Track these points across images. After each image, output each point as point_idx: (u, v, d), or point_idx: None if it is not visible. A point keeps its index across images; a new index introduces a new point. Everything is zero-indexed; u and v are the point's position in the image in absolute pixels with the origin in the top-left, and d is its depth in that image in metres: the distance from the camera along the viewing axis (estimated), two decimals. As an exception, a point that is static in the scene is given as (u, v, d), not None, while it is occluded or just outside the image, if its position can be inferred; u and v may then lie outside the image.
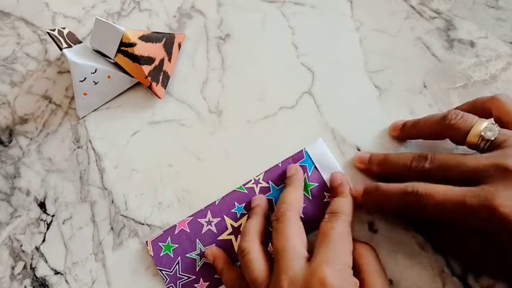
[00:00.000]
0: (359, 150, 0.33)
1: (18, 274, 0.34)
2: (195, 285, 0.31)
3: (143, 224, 0.34)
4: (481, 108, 0.29)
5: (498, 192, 0.24)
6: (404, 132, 0.32)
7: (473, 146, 0.27)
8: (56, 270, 0.33)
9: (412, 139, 0.33)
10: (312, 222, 0.30)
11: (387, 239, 0.30)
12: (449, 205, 0.25)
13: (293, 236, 0.27)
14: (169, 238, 0.32)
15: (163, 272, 0.31)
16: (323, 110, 0.35)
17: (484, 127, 0.26)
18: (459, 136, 0.27)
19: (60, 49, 0.34)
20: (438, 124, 0.29)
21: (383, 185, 0.29)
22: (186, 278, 0.31)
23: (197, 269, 0.31)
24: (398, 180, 0.28)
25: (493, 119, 0.29)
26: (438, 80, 0.35)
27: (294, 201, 0.30)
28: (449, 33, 0.36)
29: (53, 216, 0.35)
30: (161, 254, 0.32)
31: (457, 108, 0.31)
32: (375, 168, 0.31)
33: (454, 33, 0.36)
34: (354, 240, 0.28)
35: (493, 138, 0.26)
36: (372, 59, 0.36)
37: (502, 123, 0.28)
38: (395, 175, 0.30)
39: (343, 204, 0.29)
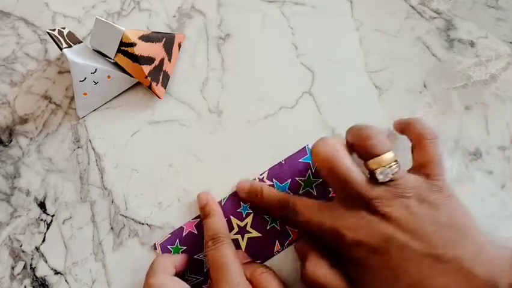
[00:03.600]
0: (359, 150, 0.33)
1: (18, 274, 0.34)
2: (203, 286, 0.31)
3: (143, 224, 0.34)
4: (404, 133, 0.30)
5: (344, 215, 0.26)
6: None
7: (368, 170, 0.27)
8: (56, 270, 0.33)
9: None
10: None
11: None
12: (314, 224, 0.27)
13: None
14: (177, 241, 0.32)
15: None
16: (323, 110, 0.35)
17: (380, 167, 0.26)
18: (363, 156, 0.27)
19: (61, 49, 0.34)
20: (357, 136, 0.28)
21: (265, 191, 0.31)
22: (194, 279, 0.31)
23: (205, 270, 0.31)
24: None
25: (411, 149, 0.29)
26: (438, 80, 0.35)
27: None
28: (449, 33, 0.36)
29: (53, 216, 0.35)
30: None
31: (399, 120, 0.31)
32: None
33: (454, 33, 0.36)
34: (250, 263, 0.30)
35: (380, 181, 0.26)
36: (372, 59, 0.36)
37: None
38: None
39: (218, 225, 0.30)
